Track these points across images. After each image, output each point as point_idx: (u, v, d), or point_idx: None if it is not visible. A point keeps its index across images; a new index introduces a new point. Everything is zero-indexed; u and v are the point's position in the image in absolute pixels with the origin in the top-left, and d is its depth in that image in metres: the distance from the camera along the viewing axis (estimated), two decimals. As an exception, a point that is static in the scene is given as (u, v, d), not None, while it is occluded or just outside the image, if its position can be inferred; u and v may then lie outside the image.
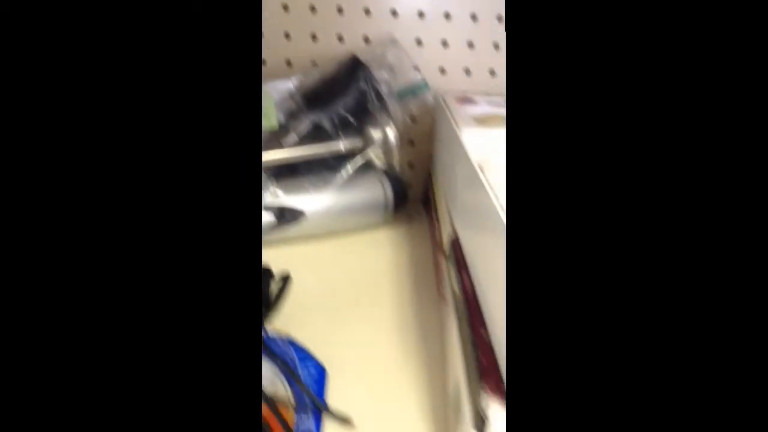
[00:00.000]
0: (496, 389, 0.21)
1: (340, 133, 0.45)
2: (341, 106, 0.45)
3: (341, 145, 0.46)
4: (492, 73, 0.52)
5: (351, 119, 0.45)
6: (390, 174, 0.48)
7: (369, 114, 0.46)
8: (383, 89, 0.46)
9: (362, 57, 0.47)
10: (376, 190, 0.47)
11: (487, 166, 0.29)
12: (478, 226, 0.28)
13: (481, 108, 0.44)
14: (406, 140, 0.55)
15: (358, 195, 0.46)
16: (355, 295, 0.40)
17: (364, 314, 0.37)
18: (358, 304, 0.38)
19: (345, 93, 0.45)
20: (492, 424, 0.20)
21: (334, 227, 0.47)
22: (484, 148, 0.33)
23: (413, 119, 0.54)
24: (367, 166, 0.47)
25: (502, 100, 0.47)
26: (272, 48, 0.51)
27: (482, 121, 0.40)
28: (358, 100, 0.45)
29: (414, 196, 0.56)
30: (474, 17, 0.50)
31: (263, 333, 0.32)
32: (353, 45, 0.50)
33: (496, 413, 0.20)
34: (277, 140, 0.45)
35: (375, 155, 0.47)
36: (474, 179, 0.28)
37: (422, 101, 0.52)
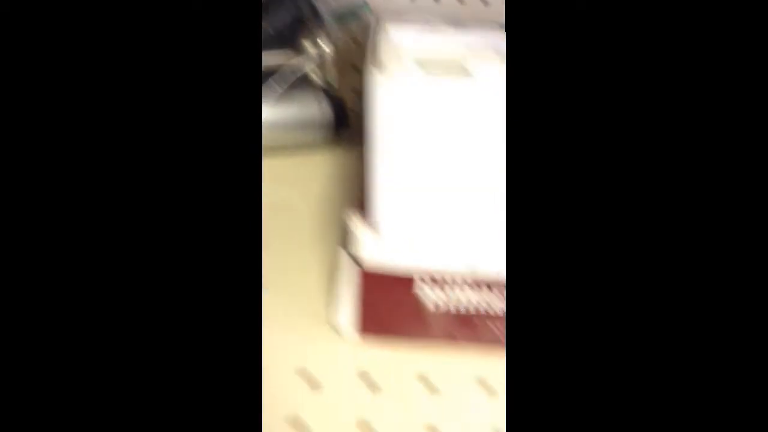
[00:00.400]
0: (360, 210, 0.22)
1: (275, 46, 0.46)
2: (277, 19, 0.45)
3: (276, 58, 0.46)
4: (433, -4, 0.52)
5: (286, 33, 0.46)
6: (328, 92, 0.49)
7: (305, 28, 0.46)
8: (319, 4, 0.46)
9: (299, -27, 0.47)
10: (311, 106, 0.47)
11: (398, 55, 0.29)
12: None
13: (416, 20, 0.44)
14: (350, 65, 0.55)
15: (292, 109, 0.47)
16: (282, 203, 0.40)
17: (289, 217, 0.38)
18: (288, 208, 0.39)
19: (280, 5, 0.45)
20: (354, 237, 0.21)
21: (269, 142, 0.47)
22: (403, 41, 0.33)
23: (357, 43, 0.54)
24: (305, 83, 0.48)
25: (443, 23, 0.47)
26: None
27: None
28: (293, 14, 0.46)
29: (361, 126, 0.57)
30: (414, -62, 0.50)
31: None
32: (293, -35, 0.50)
33: (358, 228, 0.21)
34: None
35: (311, 71, 0.47)
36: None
37: (365, 25, 0.52)
